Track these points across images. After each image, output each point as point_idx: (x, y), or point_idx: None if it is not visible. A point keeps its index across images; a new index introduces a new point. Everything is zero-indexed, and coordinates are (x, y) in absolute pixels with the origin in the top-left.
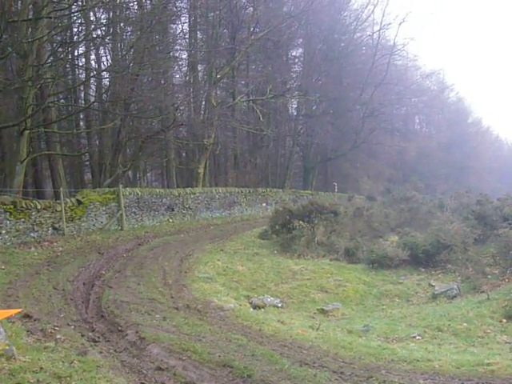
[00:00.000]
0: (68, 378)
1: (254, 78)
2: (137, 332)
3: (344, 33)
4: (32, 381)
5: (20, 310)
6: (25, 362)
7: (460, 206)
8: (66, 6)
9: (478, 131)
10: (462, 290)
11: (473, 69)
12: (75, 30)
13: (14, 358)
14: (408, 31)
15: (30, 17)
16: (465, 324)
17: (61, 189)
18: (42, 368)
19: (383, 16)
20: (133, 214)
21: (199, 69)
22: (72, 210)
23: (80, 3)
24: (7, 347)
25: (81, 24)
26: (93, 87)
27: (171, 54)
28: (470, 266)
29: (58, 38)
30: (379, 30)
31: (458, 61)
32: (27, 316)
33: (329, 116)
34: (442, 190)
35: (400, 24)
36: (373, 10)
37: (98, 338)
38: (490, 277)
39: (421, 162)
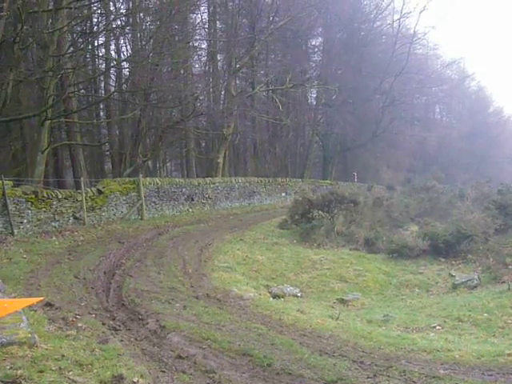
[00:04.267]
0: (89, 366)
1: (273, 67)
2: (157, 320)
3: (364, 22)
4: (54, 368)
5: (42, 298)
6: (47, 349)
7: (481, 196)
8: None
9: (500, 121)
10: (483, 280)
11: (494, 57)
12: (95, 20)
13: (36, 346)
14: (429, 19)
15: (50, 7)
16: (485, 314)
17: (81, 178)
18: (63, 356)
19: (403, 4)
20: (153, 204)
21: (219, 58)
22: (92, 199)
23: None
24: (29, 335)
25: (101, 14)
26: (113, 77)
27: (191, 43)
28: (491, 256)
29: (78, 29)
30: (399, 19)
31: (479, 49)
32: (49, 304)
33: (348, 105)
34: (463, 180)
35: (420, 12)
36: None
37: (119, 326)
38: (510, 267)
39: (441, 151)
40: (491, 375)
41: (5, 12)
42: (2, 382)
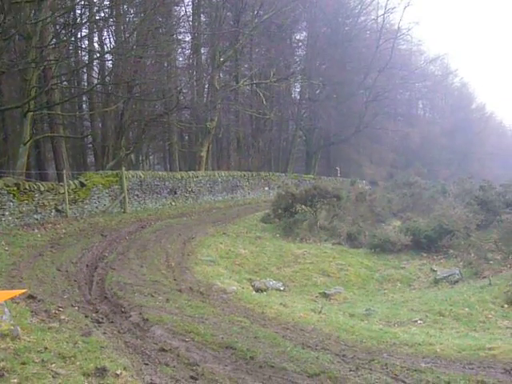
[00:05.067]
0: (72, 358)
1: (257, 61)
2: (140, 313)
3: (348, 16)
4: (37, 360)
5: (24, 290)
6: (29, 342)
7: (463, 192)
8: None
9: (482, 117)
10: (464, 275)
11: (477, 54)
12: (78, 11)
13: (19, 338)
14: (413, 15)
15: None
16: (466, 309)
17: (64, 171)
18: (46, 348)
19: (388, 0)
20: (135, 197)
21: (202, 52)
22: (75, 192)
23: None
24: (12, 327)
25: (84, 6)
26: (96, 69)
27: (175, 36)
28: (472, 251)
29: (62, 20)
30: (384, 14)
31: (463, 46)
32: (31, 297)
33: (332, 100)
34: (445, 176)
35: (405, 8)
36: None
37: (102, 319)
38: (491, 262)
39: (424, 147)
40: (472, 369)
41: None
42: None
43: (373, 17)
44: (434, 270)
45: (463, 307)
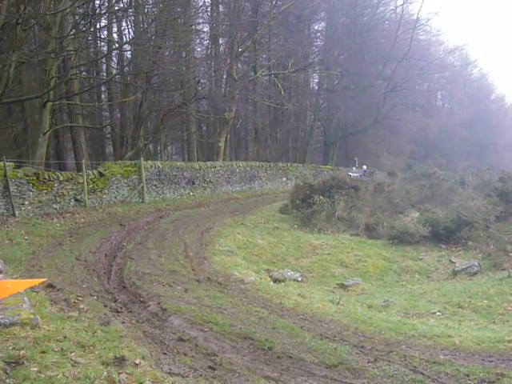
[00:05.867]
0: (91, 347)
1: (275, 51)
2: (158, 303)
3: (367, 7)
4: (56, 349)
5: (44, 279)
6: (49, 330)
7: (481, 183)
8: None
9: (501, 108)
10: (483, 267)
11: (497, 44)
12: (97, 2)
13: (39, 327)
14: (432, 5)
15: None
16: (485, 301)
17: (83, 161)
18: (65, 337)
19: None
20: (154, 187)
21: (221, 42)
22: (94, 182)
23: None
24: (32, 316)
25: None
26: (115, 60)
27: (193, 26)
28: (492, 243)
29: (81, 11)
30: (402, 4)
31: (482, 36)
32: (51, 286)
33: (350, 91)
34: (464, 167)
35: None
36: None
37: (121, 308)
38: (511, 254)
39: (442, 138)
40: (491, 361)
41: None
42: (5, 362)
43: (391, 7)
44: (452, 262)
45: (482, 299)
